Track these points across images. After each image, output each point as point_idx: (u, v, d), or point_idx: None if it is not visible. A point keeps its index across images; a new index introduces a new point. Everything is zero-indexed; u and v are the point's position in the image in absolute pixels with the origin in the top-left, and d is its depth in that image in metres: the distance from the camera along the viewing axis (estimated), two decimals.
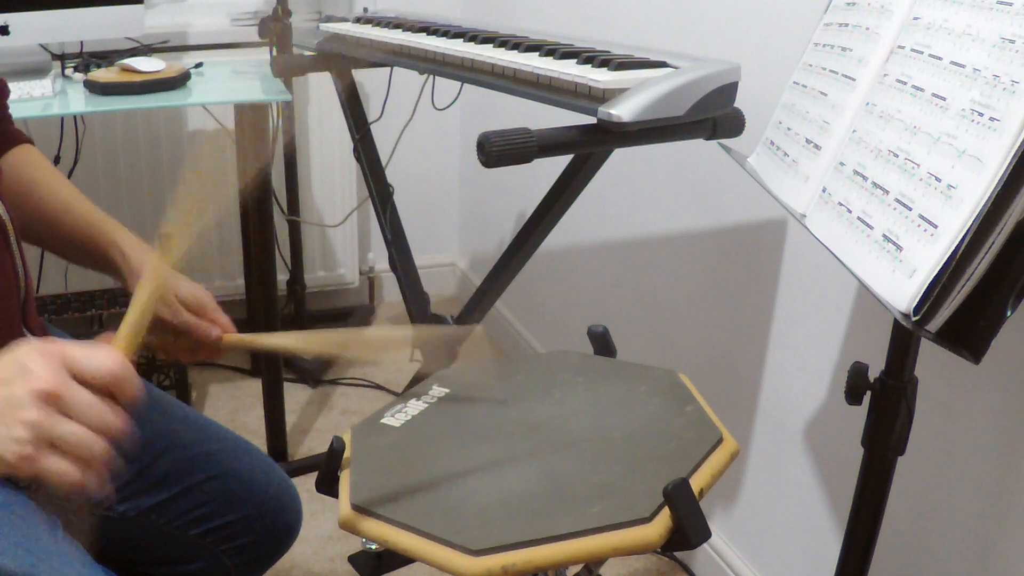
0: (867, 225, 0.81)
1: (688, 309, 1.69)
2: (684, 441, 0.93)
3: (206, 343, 1.01)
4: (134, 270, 1.04)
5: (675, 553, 1.75)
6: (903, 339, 0.93)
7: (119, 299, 2.19)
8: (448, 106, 1.96)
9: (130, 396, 0.68)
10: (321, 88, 2.48)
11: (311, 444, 2.15)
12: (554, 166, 1.50)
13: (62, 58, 2.01)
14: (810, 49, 1.06)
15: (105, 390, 0.66)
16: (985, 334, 0.70)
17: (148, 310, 0.76)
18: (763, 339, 1.49)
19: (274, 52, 2.21)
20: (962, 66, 0.75)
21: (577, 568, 1.11)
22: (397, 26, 1.64)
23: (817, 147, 0.95)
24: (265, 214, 1.90)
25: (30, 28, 1.82)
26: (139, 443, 1.05)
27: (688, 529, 0.80)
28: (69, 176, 2.25)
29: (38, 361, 0.64)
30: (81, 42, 2.08)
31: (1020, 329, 1.01)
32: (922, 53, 0.82)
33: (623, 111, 1.11)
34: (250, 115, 1.82)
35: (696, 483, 0.86)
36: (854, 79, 0.92)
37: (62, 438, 0.63)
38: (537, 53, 1.31)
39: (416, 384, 1.11)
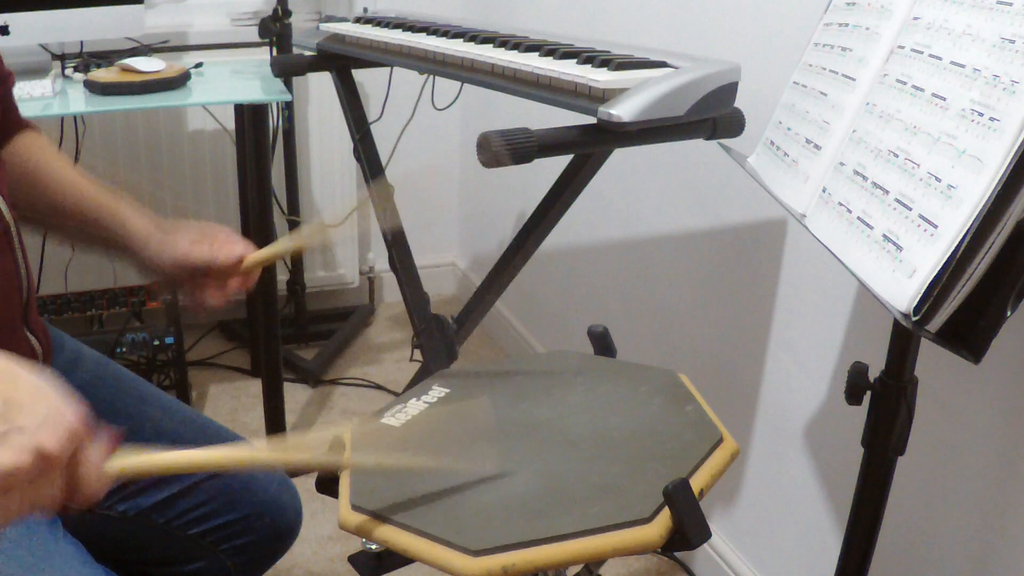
0: (867, 225, 0.81)
1: (688, 309, 1.69)
2: (684, 441, 0.93)
3: (228, 268, 1.00)
4: (140, 235, 1.02)
5: (675, 553, 1.75)
6: (903, 339, 0.93)
7: (119, 299, 2.19)
8: (448, 106, 1.96)
9: (80, 505, 0.68)
10: (321, 88, 2.48)
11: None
12: (554, 166, 1.50)
13: (62, 58, 2.01)
14: (810, 49, 1.06)
15: (75, 487, 0.66)
16: (985, 334, 0.70)
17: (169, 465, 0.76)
18: (763, 339, 1.49)
19: (274, 52, 2.21)
20: (962, 66, 0.75)
21: (577, 568, 1.11)
22: (397, 26, 1.64)
23: (817, 147, 0.95)
24: (265, 214, 1.90)
25: (30, 28, 1.82)
26: (139, 443, 1.05)
27: (688, 529, 0.80)
28: None
29: (61, 423, 0.64)
30: (81, 42, 2.08)
31: (1020, 329, 1.01)
32: (922, 53, 0.82)
33: (623, 111, 1.11)
34: (250, 115, 1.82)
35: (696, 483, 0.86)
36: (854, 79, 0.92)
37: (13, 497, 0.63)
38: (537, 53, 1.31)
39: (416, 384, 1.10)
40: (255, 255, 1.01)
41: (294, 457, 0.83)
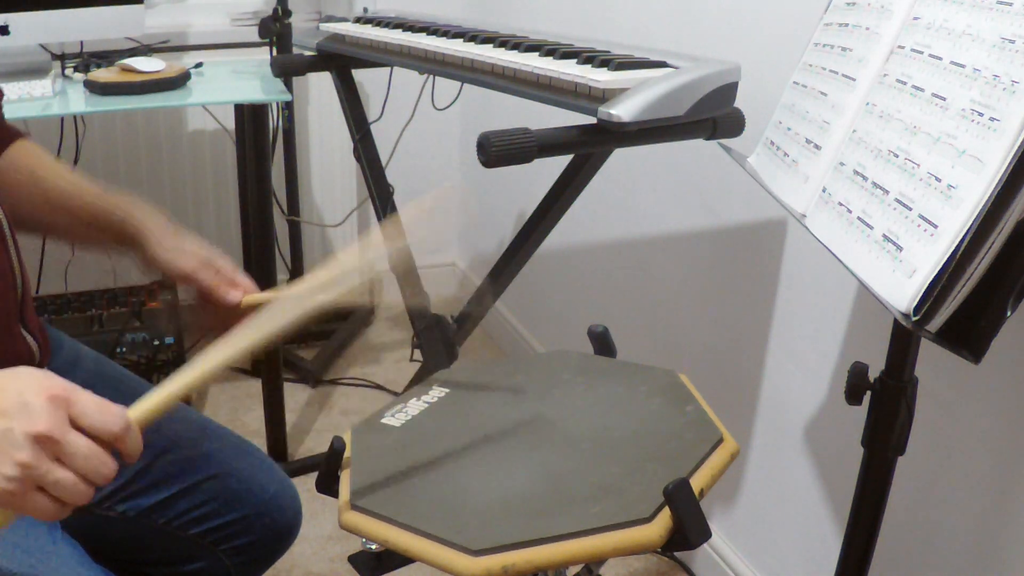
0: (867, 225, 0.81)
1: (688, 309, 1.69)
2: (684, 441, 0.93)
3: (225, 305, 1.00)
4: (154, 234, 1.02)
5: (675, 553, 1.75)
6: (903, 339, 0.93)
7: (119, 299, 2.19)
8: (448, 106, 1.96)
9: (129, 454, 0.68)
10: (321, 88, 2.48)
11: (311, 444, 2.15)
12: (554, 166, 1.50)
13: (62, 58, 2.01)
14: (810, 49, 1.06)
15: (101, 441, 0.66)
16: (985, 334, 0.70)
17: (179, 393, 0.75)
18: (763, 339, 1.49)
19: (274, 52, 2.21)
20: (962, 66, 0.75)
21: (577, 568, 1.11)
22: (397, 26, 1.64)
23: (817, 147, 0.95)
24: (265, 214, 1.90)
25: (30, 28, 1.82)
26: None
27: (688, 529, 0.80)
28: None
29: (42, 402, 0.64)
30: (81, 42, 2.08)
31: (1020, 329, 1.01)
32: (922, 53, 0.82)
33: (623, 111, 1.11)
34: (250, 115, 1.82)
35: (696, 483, 0.86)
36: (854, 79, 0.92)
37: (51, 482, 0.64)
38: (537, 53, 1.31)
39: (416, 384, 1.10)
40: (253, 296, 1.01)
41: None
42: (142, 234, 1.02)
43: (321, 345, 2.54)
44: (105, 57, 1.98)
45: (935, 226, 0.72)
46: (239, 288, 1.00)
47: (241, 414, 2.26)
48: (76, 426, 0.65)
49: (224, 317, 1.01)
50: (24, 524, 0.86)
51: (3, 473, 0.62)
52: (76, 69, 1.92)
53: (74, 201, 1.05)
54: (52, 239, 1.12)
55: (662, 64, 1.22)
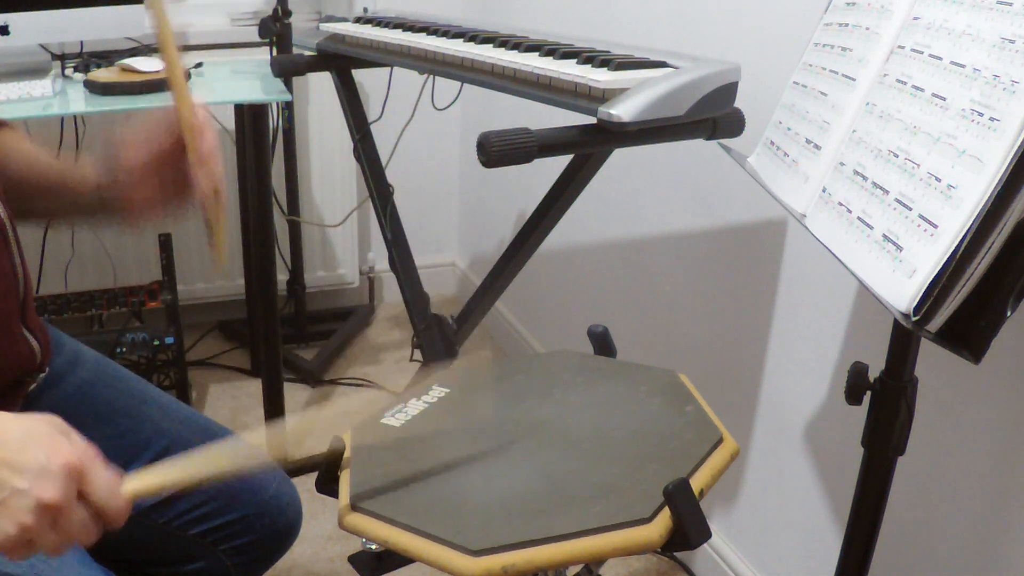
0: (867, 225, 0.81)
1: (688, 309, 1.69)
2: (684, 441, 0.93)
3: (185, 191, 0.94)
4: (122, 160, 0.96)
5: (675, 553, 1.75)
6: (903, 339, 0.93)
7: (119, 299, 2.19)
8: (448, 106, 1.96)
9: (112, 527, 0.70)
10: (321, 88, 2.48)
11: (311, 444, 2.15)
12: (554, 166, 1.50)
13: (62, 58, 2.01)
14: (810, 49, 1.06)
15: (97, 516, 0.68)
16: (985, 334, 0.70)
17: (183, 479, 0.77)
18: (763, 339, 1.49)
19: (274, 52, 2.21)
20: (962, 66, 0.75)
21: (577, 568, 1.11)
22: (397, 26, 1.64)
23: (817, 147, 0.95)
24: (265, 214, 1.90)
25: (30, 28, 1.82)
26: (139, 443, 1.05)
27: (688, 529, 0.80)
28: None
29: (60, 470, 0.65)
30: (81, 42, 2.08)
31: (1020, 329, 1.01)
32: (922, 53, 0.82)
33: (623, 111, 1.11)
34: (250, 115, 1.82)
35: (696, 483, 0.86)
36: (854, 79, 0.92)
37: (40, 544, 0.66)
38: (537, 53, 1.31)
39: (416, 384, 1.10)
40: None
41: (294, 451, 0.83)
42: (113, 162, 0.96)
43: (321, 345, 2.54)
44: (105, 57, 1.98)
45: (935, 226, 0.72)
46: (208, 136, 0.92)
47: (241, 414, 2.26)
48: (81, 494, 0.67)
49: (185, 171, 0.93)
50: None
51: (3, 530, 0.64)
52: (76, 69, 1.92)
53: (72, 175, 1.01)
54: (53, 222, 1.09)
55: (662, 64, 1.22)
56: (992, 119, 0.70)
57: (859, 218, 0.83)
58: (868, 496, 0.99)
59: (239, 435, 1.15)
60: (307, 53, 1.81)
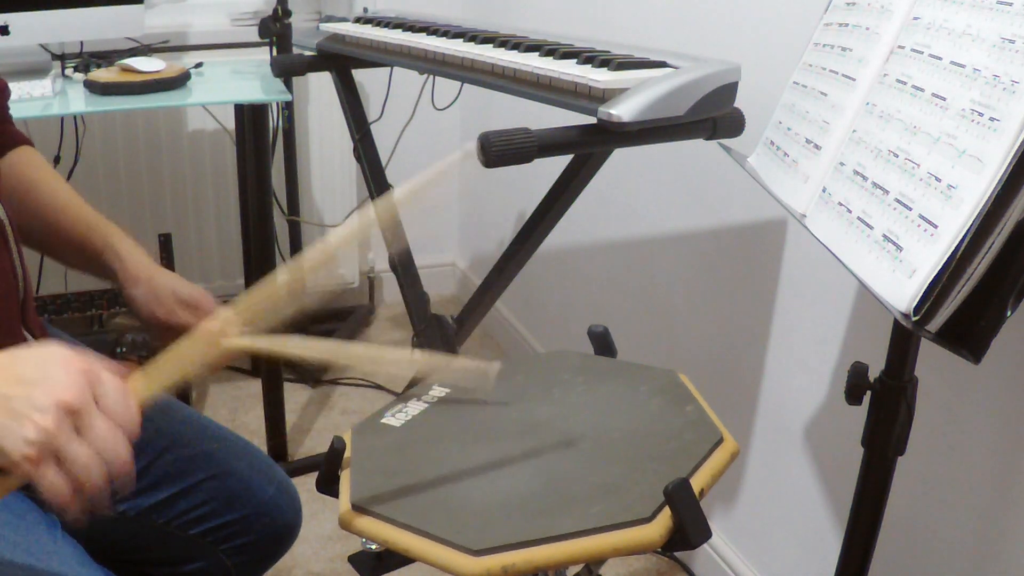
0: (867, 225, 0.81)
1: (688, 309, 1.69)
2: (684, 441, 0.93)
3: (204, 343, 1.00)
4: (129, 271, 1.04)
5: (675, 553, 1.75)
6: (903, 339, 0.93)
7: (119, 300, 2.19)
8: (448, 106, 1.96)
9: (132, 438, 0.69)
10: (321, 88, 2.48)
11: (311, 444, 2.15)
12: (554, 166, 1.50)
13: (62, 58, 2.01)
14: (810, 49, 1.06)
15: (116, 423, 0.66)
16: (985, 334, 0.70)
17: (183, 367, 0.76)
18: (763, 339, 1.49)
19: (274, 52, 2.21)
20: (962, 66, 0.75)
21: (577, 568, 1.11)
22: (397, 26, 1.64)
23: (817, 147, 0.95)
24: (265, 214, 1.90)
25: (30, 28, 1.82)
26: (139, 443, 1.05)
27: (688, 529, 0.80)
28: (69, 176, 2.26)
29: (68, 372, 0.64)
30: (81, 42, 2.08)
31: (1020, 329, 1.01)
32: (922, 53, 0.82)
33: (623, 111, 1.11)
34: (250, 115, 1.82)
35: (696, 483, 0.86)
36: (854, 79, 0.92)
37: (69, 456, 0.63)
38: (537, 53, 1.31)
39: (416, 384, 1.11)
40: (231, 341, 0.96)
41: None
42: (117, 272, 1.03)
43: None
44: (105, 57, 1.98)
45: (935, 226, 0.72)
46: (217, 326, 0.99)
47: (241, 414, 2.26)
48: (96, 400, 0.66)
49: (201, 357, 0.99)
50: (25, 524, 0.86)
51: (25, 435, 0.62)
52: (76, 69, 1.92)
53: (61, 221, 1.06)
54: (46, 254, 1.12)
55: (662, 64, 1.22)
56: (992, 119, 0.70)
57: (859, 218, 0.83)
58: (868, 496, 0.99)
59: (239, 434, 1.16)
60: (307, 53, 1.81)
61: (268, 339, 0.87)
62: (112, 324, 2.10)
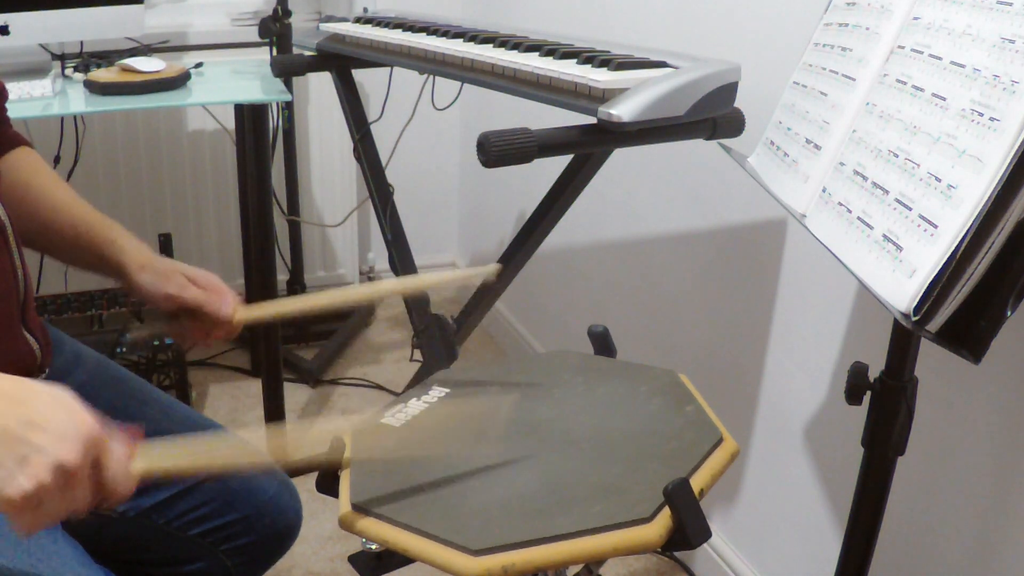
0: (867, 225, 0.81)
1: (688, 309, 1.69)
2: (684, 441, 0.93)
3: (219, 319, 1.02)
4: (134, 260, 1.04)
5: (675, 553, 1.75)
6: (903, 339, 0.93)
7: (119, 299, 2.19)
8: (448, 106, 1.96)
9: (115, 503, 0.71)
10: (321, 88, 2.48)
11: (311, 448, 2.15)
12: (554, 166, 1.50)
13: (62, 58, 2.01)
14: (810, 49, 1.06)
15: (104, 489, 0.70)
16: (985, 334, 0.70)
17: (190, 466, 0.78)
18: (763, 339, 1.49)
19: (274, 52, 2.21)
20: (962, 66, 0.75)
21: (577, 568, 1.11)
22: (397, 26, 1.64)
23: (817, 147, 0.95)
24: (265, 214, 1.90)
25: (30, 28, 1.82)
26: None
27: (688, 529, 0.80)
28: (69, 176, 2.26)
29: (78, 432, 0.66)
30: (81, 42, 2.08)
31: (1020, 329, 1.01)
32: (922, 53, 0.82)
33: (623, 111, 1.11)
34: (250, 115, 1.82)
35: (696, 483, 0.86)
36: (854, 79, 0.92)
37: (46, 507, 0.66)
38: (537, 53, 1.31)
39: (416, 384, 1.10)
40: (243, 313, 1.03)
41: (296, 454, 0.86)
42: (123, 263, 1.04)
43: (321, 345, 2.54)
44: (105, 57, 1.98)
45: (935, 226, 0.72)
46: (228, 300, 1.01)
47: (241, 414, 2.26)
48: (95, 465, 0.68)
49: (213, 329, 1.03)
50: None
51: (20, 483, 0.64)
52: (76, 69, 1.92)
53: (61, 220, 1.06)
54: (46, 254, 1.13)
55: (662, 64, 1.22)
56: (992, 119, 0.70)
57: (859, 218, 0.83)
58: (868, 496, 0.99)
59: (239, 434, 1.16)
60: (307, 53, 1.81)
61: (276, 304, 0.98)
62: (129, 341, 2.11)
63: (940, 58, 0.79)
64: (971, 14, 0.76)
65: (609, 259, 1.96)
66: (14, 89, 1.69)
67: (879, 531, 1.00)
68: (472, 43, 1.42)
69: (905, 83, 0.83)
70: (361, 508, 0.85)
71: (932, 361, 1.07)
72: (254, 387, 2.27)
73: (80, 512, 0.69)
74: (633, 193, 1.83)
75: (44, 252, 1.12)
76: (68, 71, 1.94)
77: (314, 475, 0.93)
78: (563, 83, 1.21)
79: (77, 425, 0.67)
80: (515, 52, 1.32)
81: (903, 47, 0.85)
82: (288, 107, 2.34)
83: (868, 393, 0.96)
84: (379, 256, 2.81)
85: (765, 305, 1.47)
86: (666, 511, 0.81)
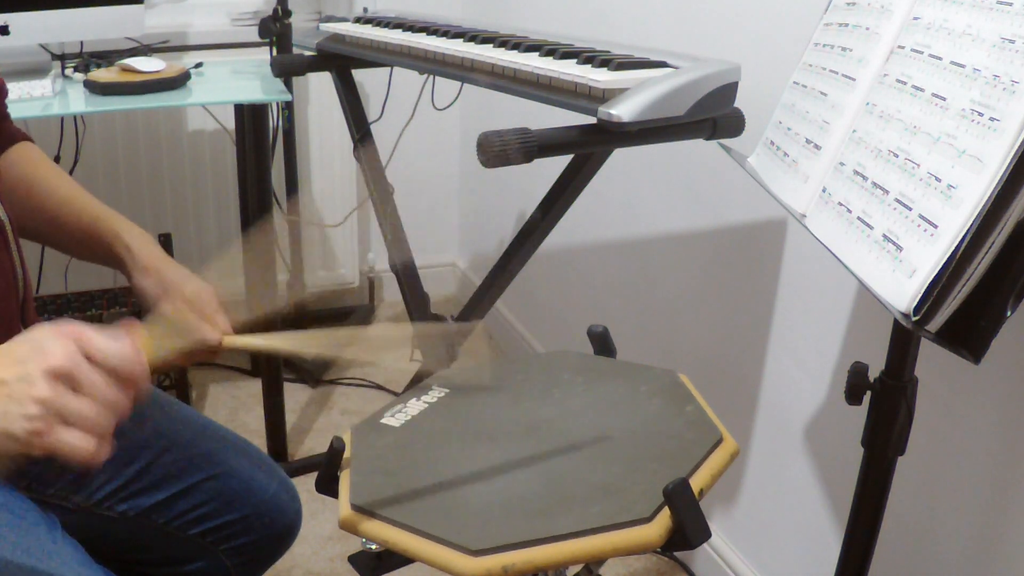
0: (867, 225, 0.81)
1: (688, 309, 1.69)
2: (684, 441, 0.93)
3: (204, 346, 1.01)
4: (139, 262, 1.03)
5: (675, 553, 1.75)
6: (903, 339, 0.93)
7: (119, 299, 2.19)
8: (448, 106, 1.96)
9: (139, 385, 0.69)
10: (321, 88, 2.48)
11: (311, 444, 2.15)
12: (554, 166, 1.50)
13: (62, 58, 2.01)
14: (810, 49, 1.06)
15: (115, 375, 0.68)
16: (985, 334, 0.70)
17: (179, 340, 0.78)
18: (763, 339, 1.49)
19: (274, 52, 2.21)
20: (962, 66, 0.75)
21: (577, 568, 1.11)
22: (397, 26, 1.64)
23: (817, 147, 0.95)
24: (265, 214, 1.90)
25: (30, 28, 1.82)
26: (139, 443, 1.05)
27: (688, 529, 0.80)
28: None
29: (53, 340, 0.66)
30: (81, 42, 2.08)
31: (1020, 329, 1.01)
32: (922, 53, 0.82)
33: (623, 111, 1.11)
34: (250, 115, 1.82)
35: (696, 483, 0.86)
36: (854, 79, 0.92)
37: (72, 412, 0.65)
38: (537, 53, 1.31)
39: (416, 384, 1.10)
40: (231, 340, 0.99)
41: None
42: (127, 261, 1.03)
43: None
44: (105, 57, 1.98)
45: (935, 226, 0.72)
46: (217, 328, 0.99)
47: (241, 414, 2.26)
48: (90, 359, 0.67)
49: (196, 353, 1.00)
50: (25, 524, 0.86)
51: (26, 413, 0.63)
52: (76, 69, 1.92)
53: (66, 214, 1.06)
54: (50, 246, 1.13)
55: (662, 64, 1.22)
56: (992, 119, 0.70)
57: (859, 218, 0.83)
58: (868, 496, 0.99)
59: (239, 434, 1.16)
60: (307, 53, 1.81)
61: (265, 337, 0.91)
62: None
63: (940, 58, 0.79)
64: (971, 14, 0.76)
65: (609, 259, 1.96)
66: (14, 89, 1.69)
67: (879, 531, 1.00)
68: (472, 43, 1.42)
69: (905, 83, 0.83)
70: (361, 508, 0.85)
71: (932, 361, 1.07)
72: (254, 387, 2.27)
73: (126, 410, 0.67)
74: (633, 193, 1.83)
75: (53, 246, 1.12)
76: (68, 71, 1.94)
77: (314, 475, 0.93)
78: (563, 83, 1.21)
79: (48, 334, 0.66)
80: (515, 52, 1.32)
81: (903, 47, 0.85)
82: (288, 107, 2.34)
83: (868, 393, 0.96)
84: (379, 256, 2.81)
85: (765, 305, 1.47)
86: (666, 511, 0.81)
